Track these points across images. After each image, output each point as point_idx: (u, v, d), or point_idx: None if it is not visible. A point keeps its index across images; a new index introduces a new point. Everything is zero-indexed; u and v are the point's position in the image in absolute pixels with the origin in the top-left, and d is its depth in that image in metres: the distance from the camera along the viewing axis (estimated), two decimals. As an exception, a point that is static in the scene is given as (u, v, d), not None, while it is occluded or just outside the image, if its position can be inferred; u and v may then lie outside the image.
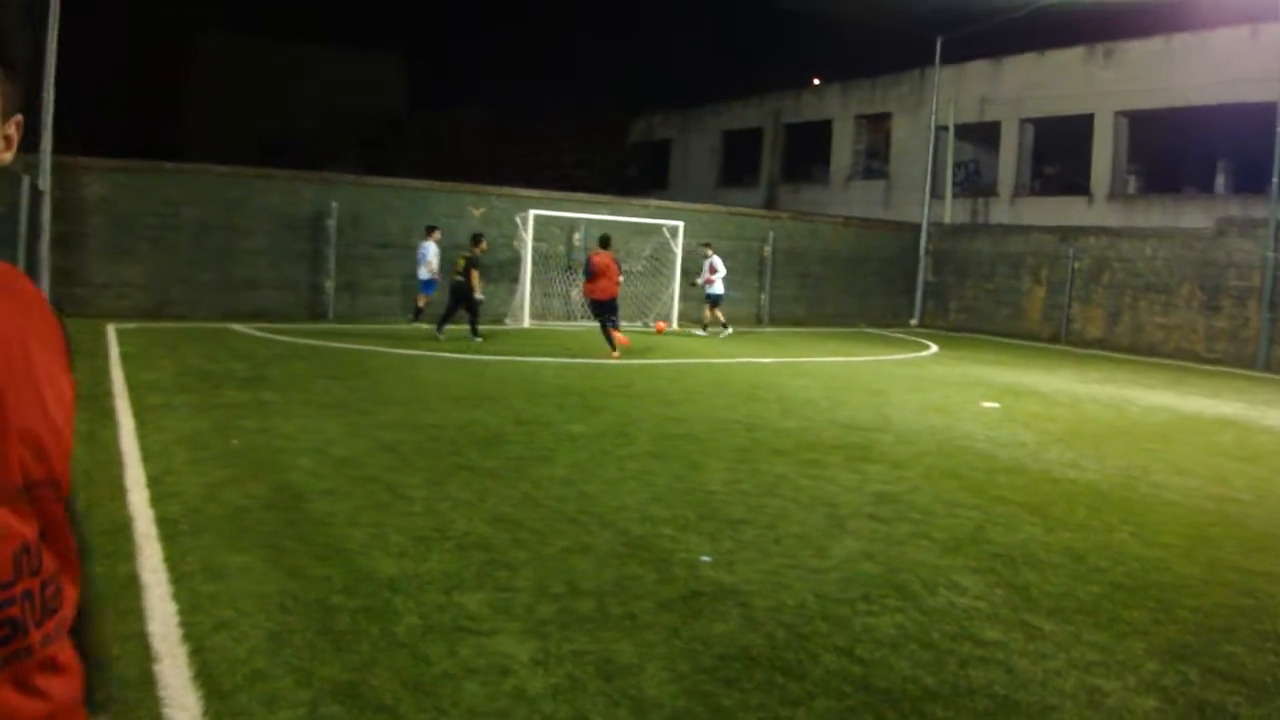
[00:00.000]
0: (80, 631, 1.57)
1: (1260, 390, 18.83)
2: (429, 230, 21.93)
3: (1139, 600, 6.06)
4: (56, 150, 19.52)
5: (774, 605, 5.61)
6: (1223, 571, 6.79)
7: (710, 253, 24.30)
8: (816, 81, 43.04)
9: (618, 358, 17.73)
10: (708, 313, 24.49)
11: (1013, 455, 10.65)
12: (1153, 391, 17.51)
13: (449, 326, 19.65)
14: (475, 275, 19.29)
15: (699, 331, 24.54)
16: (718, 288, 24.09)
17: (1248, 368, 22.75)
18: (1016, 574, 6.45)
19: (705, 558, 6.40)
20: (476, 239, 20.27)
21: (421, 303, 22.03)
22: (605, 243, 19.29)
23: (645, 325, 24.51)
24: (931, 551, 6.85)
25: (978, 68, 34.46)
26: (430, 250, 21.63)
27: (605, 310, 18.54)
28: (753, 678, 4.64)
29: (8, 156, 1.48)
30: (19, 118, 1.49)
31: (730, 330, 24.22)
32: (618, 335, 18.45)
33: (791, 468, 9.32)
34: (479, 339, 19.47)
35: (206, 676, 4.36)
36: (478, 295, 19.55)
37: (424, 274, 21.78)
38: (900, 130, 37.31)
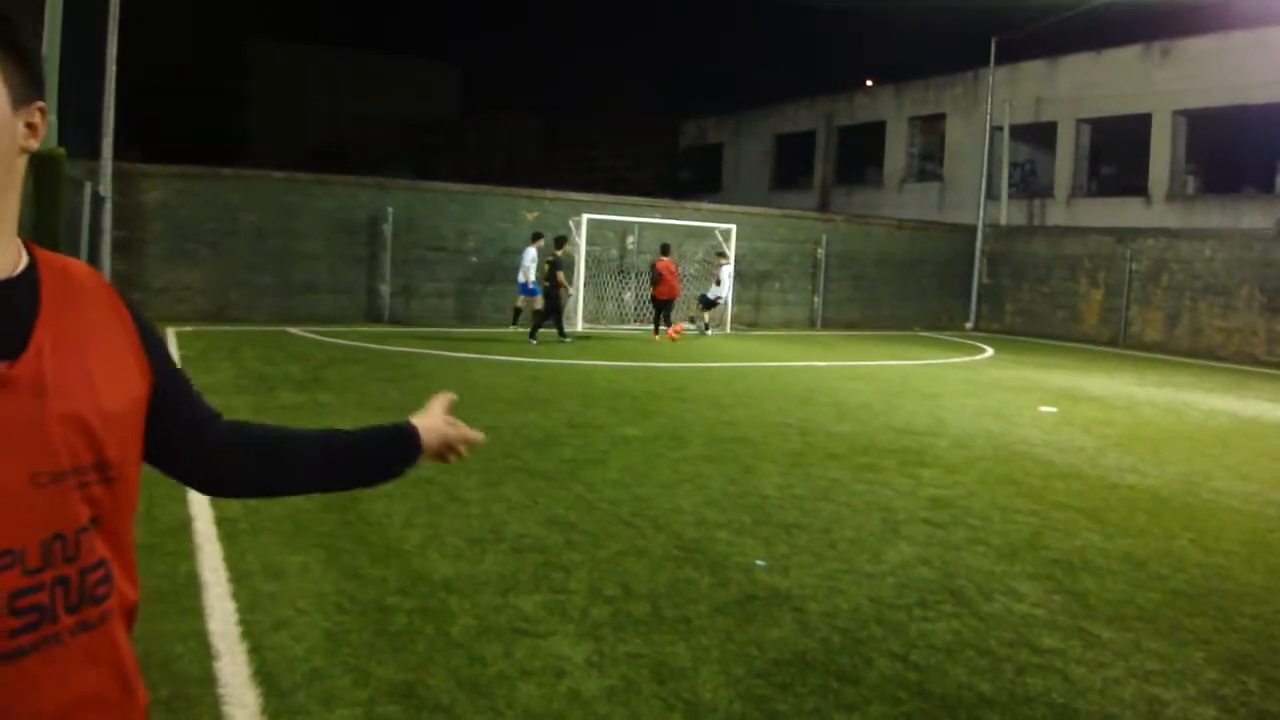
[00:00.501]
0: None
1: (1325, 395, 18.47)
2: (534, 237, 22.08)
3: (1199, 608, 5.97)
4: (117, 156, 19.90)
5: (828, 610, 5.59)
6: (1287, 579, 6.67)
7: (724, 263, 24.57)
8: (869, 83, 42.83)
9: (659, 340, 20.37)
10: (701, 311, 24.64)
11: (1070, 460, 10.53)
12: (1213, 395, 17.23)
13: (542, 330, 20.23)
14: (560, 276, 19.93)
15: (697, 328, 24.66)
16: (715, 292, 24.31)
17: (1312, 372, 22.33)
18: (1075, 580, 6.37)
19: (760, 562, 6.39)
20: (559, 241, 20.73)
21: (520, 304, 22.32)
22: (666, 250, 22.75)
23: (691, 325, 24.50)
24: (988, 557, 6.79)
25: (1033, 67, 34.12)
26: (529, 255, 21.67)
27: (666, 308, 22.28)
28: (807, 682, 4.63)
29: (33, 143, 1.50)
30: (42, 104, 1.52)
31: (711, 331, 24.56)
32: (671, 330, 21.97)
33: (845, 472, 9.27)
34: (568, 340, 20.17)
35: (265, 674, 4.42)
36: (566, 293, 20.81)
37: (521, 278, 21.93)
38: (955, 131, 37.03)
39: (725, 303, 24.84)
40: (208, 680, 4.36)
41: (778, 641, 5.10)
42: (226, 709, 4.11)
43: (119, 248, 20.10)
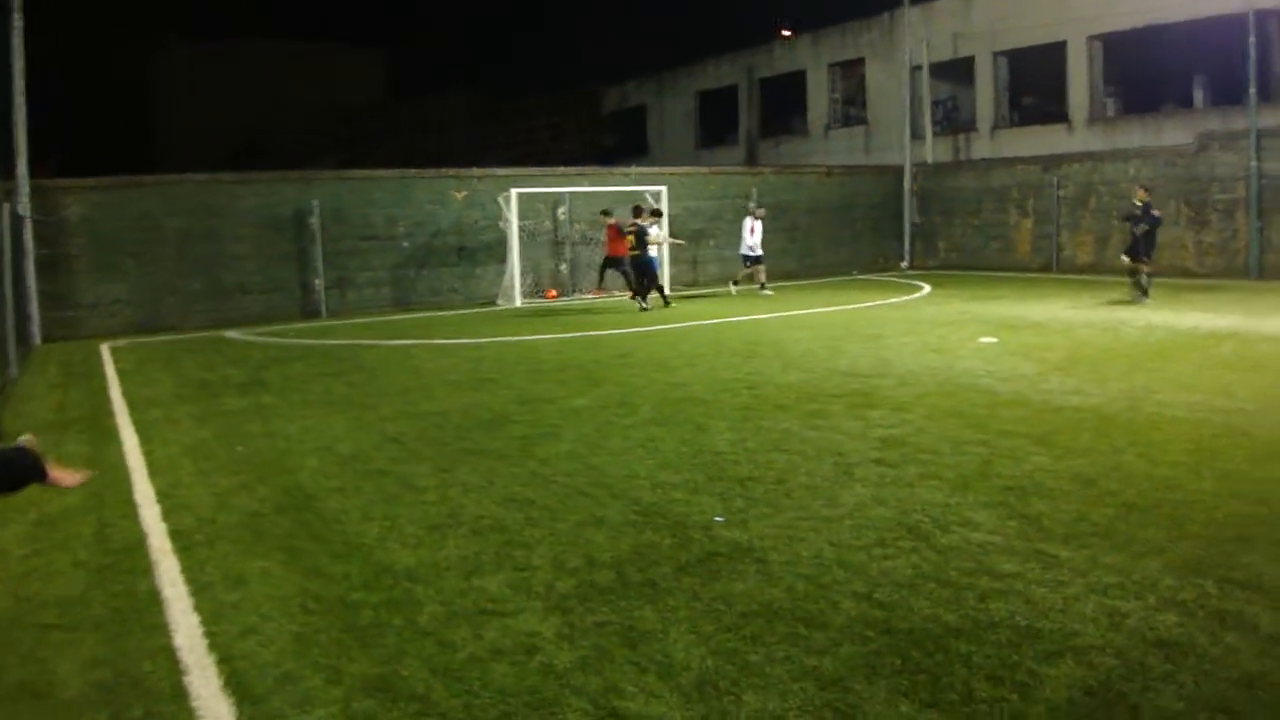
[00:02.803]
0: None
1: (1256, 300, 18.88)
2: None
3: (1151, 519, 6.10)
4: (32, 174, 19.47)
5: (790, 558, 5.65)
6: (1233, 483, 6.83)
7: (756, 210, 24.66)
8: (786, 33, 42.79)
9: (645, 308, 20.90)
10: (753, 269, 24.40)
11: (1014, 388, 10.68)
12: (1147, 311, 17.55)
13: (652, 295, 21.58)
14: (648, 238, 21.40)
15: (759, 290, 24.27)
16: (750, 244, 24.00)
17: (1240, 278, 22.79)
18: (1028, 505, 6.49)
19: (718, 518, 6.44)
20: (637, 210, 21.91)
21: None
22: (608, 213, 22.73)
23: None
24: (941, 491, 6.89)
25: (947, 5, 34.28)
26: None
27: (616, 265, 22.08)
28: (776, 631, 4.68)
29: None
30: None
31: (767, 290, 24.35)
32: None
33: (795, 421, 9.35)
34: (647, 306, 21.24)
35: (237, 684, 4.40)
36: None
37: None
38: (875, 74, 37.14)
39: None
40: (179, 695, 4.33)
41: (743, 595, 5.15)
42: (200, 722, 4.09)
43: (43, 266, 19.69)
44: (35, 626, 5.19)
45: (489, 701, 4.11)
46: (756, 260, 24.13)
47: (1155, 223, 19.08)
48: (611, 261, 22.33)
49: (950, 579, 5.25)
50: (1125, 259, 19.53)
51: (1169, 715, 3.82)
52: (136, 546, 6.46)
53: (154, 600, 5.49)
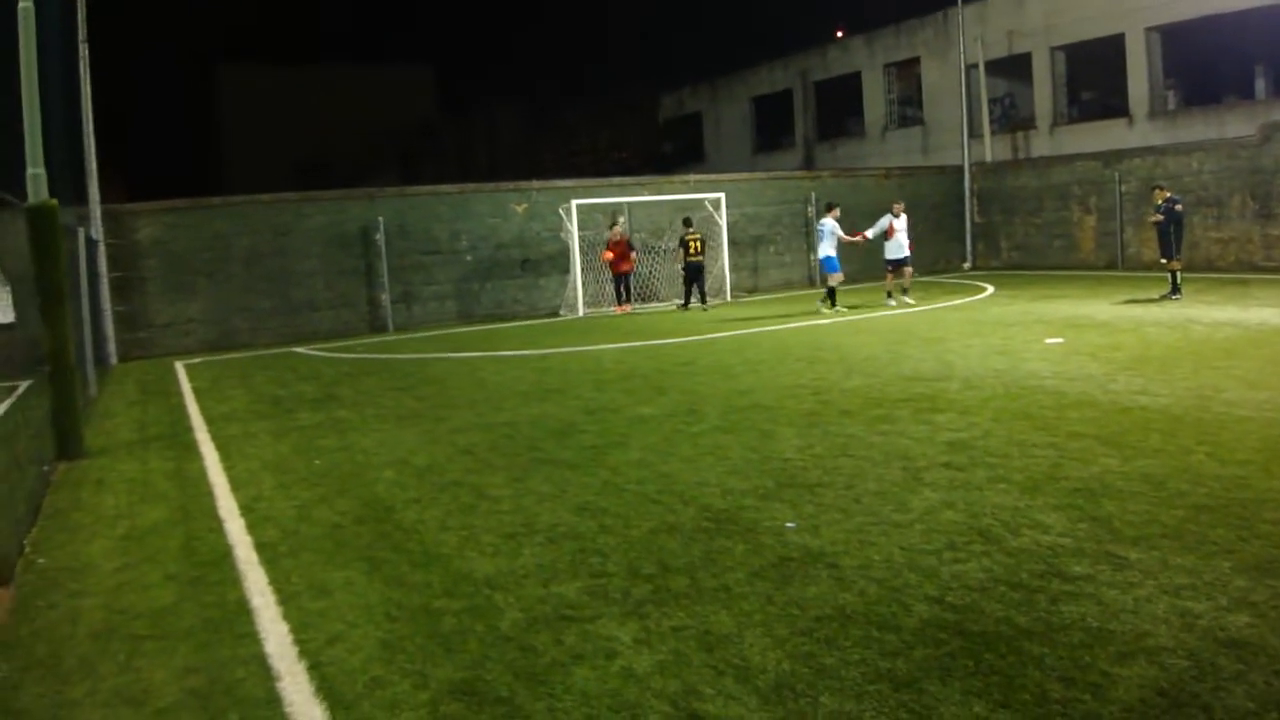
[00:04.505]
0: None
1: (1327, 294, 18.56)
2: (827, 208, 21.75)
3: (1222, 520, 6.10)
4: (104, 199, 20.03)
5: (862, 563, 5.73)
6: (1305, 481, 6.79)
7: (898, 210, 21.43)
8: (840, 34, 42.71)
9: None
10: (893, 279, 21.58)
11: (1081, 389, 10.65)
12: (1215, 308, 17.33)
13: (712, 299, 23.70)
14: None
15: (890, 303, 21.31)
16: (896, 250, 21.16)
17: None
18: (1098, 506, 6.50)
19: (789, 524, 6.53)
20: (688, 222, 23.85)
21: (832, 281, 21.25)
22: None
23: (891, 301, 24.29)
24: (1010, 494, 6.92)
25: (1001, 1, 34.02)
26: (828, 227, 21.20)
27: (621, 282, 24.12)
28: (850, 635, 4.77)
29: None
30: None
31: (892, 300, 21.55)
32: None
33: (861, 427, 9.40)
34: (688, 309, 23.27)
35: (327, 689, 4.56)
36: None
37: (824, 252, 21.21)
38: (931, 74, 36.97)
39: (719, 272, 24.88)
40: (273, 701, 4.50)
41: (816, 599, 5.24)
42: (296, 726, 4.26)
43: (117, 288, 20.25)
44: (129, 637, 5.40)
45: (572, 704, 4.25)
46: (901, 263, 21.26)
47: (1178, 218, 18.98)
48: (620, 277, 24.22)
49: (1021, 581, 5.31)
50: (1162, 260, 19.42)
51: (1241, 715, 3.85)
52: (223, 558, 6.68)
53: (243, 610, 5.69)
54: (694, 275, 23.45)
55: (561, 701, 4.28)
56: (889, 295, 21.63)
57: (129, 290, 20.62)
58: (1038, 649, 4.49)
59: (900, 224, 21.09)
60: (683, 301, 23.82)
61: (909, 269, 21.42)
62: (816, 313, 20.36)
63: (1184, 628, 4.62)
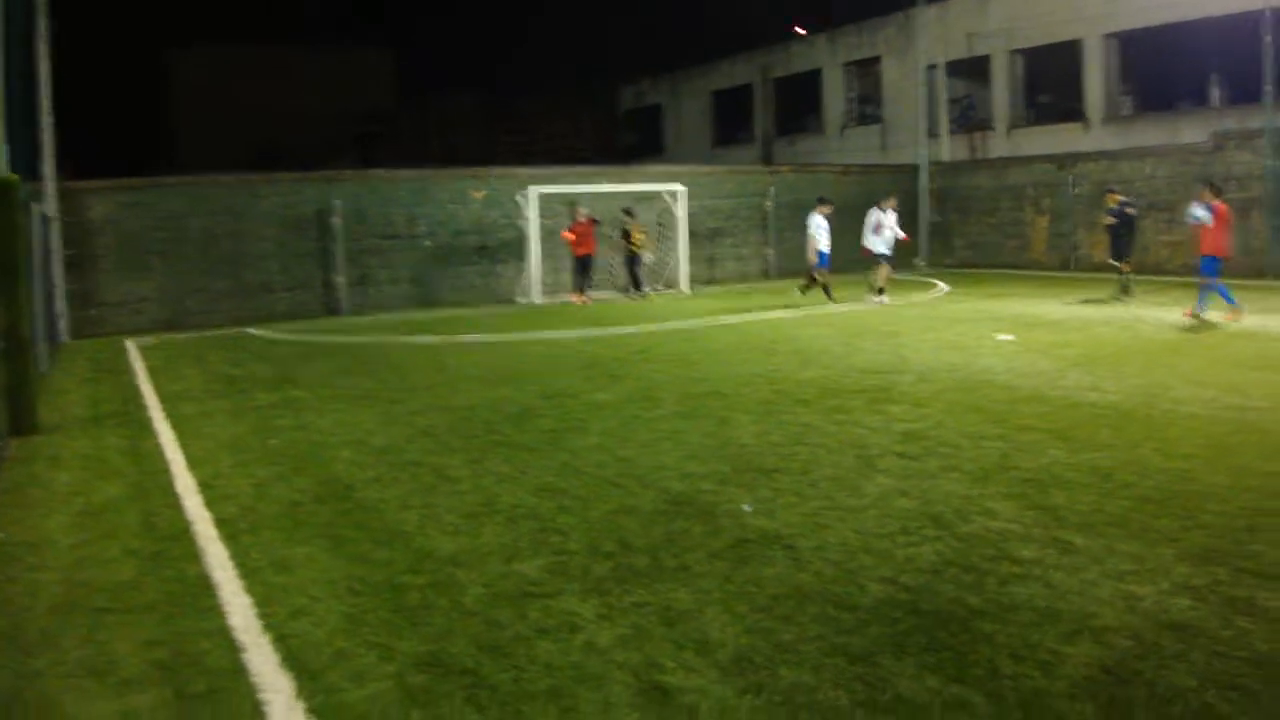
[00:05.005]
0: None
1: (1272, 299, 19.00)
2: (819, 202, 21.30)
3: (1166, 510, 6.28)
4: (58, 176, 19.77)
5: (818, 545, 5.85)
6: (1246, 477, 7.00)
7: (887, 207, 20.84)
8: (801, 31, 42.93)
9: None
10: (880, 274, 20.88)
11: (1032, 384, 10.86)
12: (1164, 309, 17.71)
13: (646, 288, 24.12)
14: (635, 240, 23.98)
15: (875, 298, 20.67)
16: (876, 243, 20.72)
17: (1258, 278, 22.83)
18: (1046, 496, 6.68)
19: (746, 507, 6.65)
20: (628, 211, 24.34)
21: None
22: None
23: (652, 290, 24.66)
24: (961, 482, 7.08)
25: (963, 3, 34.38)
26: (816, 223, 20.74)
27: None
28: (807, 612, 4.89)
29: None
30: None
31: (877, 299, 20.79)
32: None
33: (816, 416, 9.54)
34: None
35: (293, 660, 4.61)
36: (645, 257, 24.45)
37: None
38: (890, 73, 37.27)
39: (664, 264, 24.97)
40: (239, 671, 4.54)
41: (774, 578, 5.36)
42: (263, 695, 4.30)
43: (71, 266, 19.99)
44: (91, 610, 5.40)
45: (536, 675, 4.33)
46: (883, 259, 20.78)
47: (1130, 221, 19.43)
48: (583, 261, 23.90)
49: (972, 564, 5.46)
50: (1112, 262, 19.84)
51: (1182, 691, 4.01)
52: (183, 534, 6.69)
53: (205, 584, 5.71)
54: (632, 263, 24.07)
55: (526, 672, 4.36)
56: (880, 291, 20.84)
57: (81, 268, 20.36)
58: (988, 627, 4.63)
59: (889, 220, 20.76)
60: (639, 289, 23.91)
61: (885, 267, 20.94)
62: (824, 303, 20.48)
63: (1128, 610, 4.79)
